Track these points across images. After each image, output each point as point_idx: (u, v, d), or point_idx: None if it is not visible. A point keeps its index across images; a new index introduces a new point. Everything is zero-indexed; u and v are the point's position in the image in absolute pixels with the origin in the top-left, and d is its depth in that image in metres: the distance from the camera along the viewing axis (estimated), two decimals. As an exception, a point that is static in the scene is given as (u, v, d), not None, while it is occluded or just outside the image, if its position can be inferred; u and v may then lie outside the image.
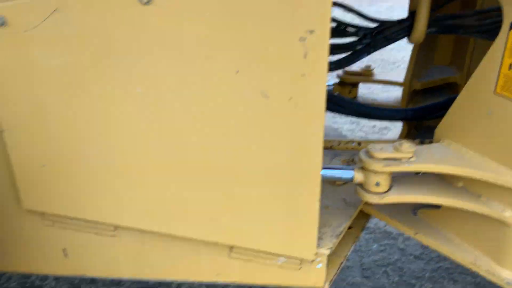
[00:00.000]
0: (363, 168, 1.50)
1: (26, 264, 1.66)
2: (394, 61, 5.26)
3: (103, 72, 1.26)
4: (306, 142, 1.29)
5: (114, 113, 1.30)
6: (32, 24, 1.23)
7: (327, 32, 1.15)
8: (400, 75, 2.31)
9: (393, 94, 2.37)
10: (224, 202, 1.41)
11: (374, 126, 4.02)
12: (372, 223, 2.85)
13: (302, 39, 1.15)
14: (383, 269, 2.49)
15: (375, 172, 1.47)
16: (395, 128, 3.82)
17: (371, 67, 2.33)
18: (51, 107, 1.32)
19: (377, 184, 1.49)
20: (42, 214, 1.53)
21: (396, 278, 2.42)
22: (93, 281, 2.38)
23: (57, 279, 2.38)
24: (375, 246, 2.68)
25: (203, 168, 1.35)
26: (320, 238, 1.54)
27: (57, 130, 1.35)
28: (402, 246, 2.68)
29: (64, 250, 1.61)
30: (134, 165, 1.38)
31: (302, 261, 1.53)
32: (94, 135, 1.34)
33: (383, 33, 1.73)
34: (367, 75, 2.31)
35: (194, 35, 1.19)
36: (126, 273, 1.64)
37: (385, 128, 3.98)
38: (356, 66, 2.28)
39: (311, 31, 1.14)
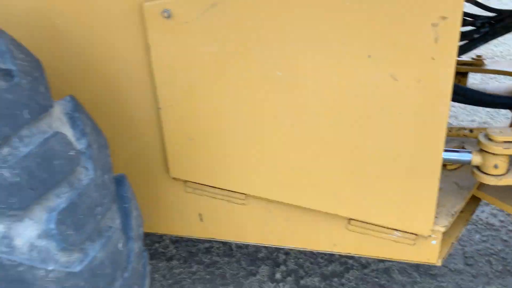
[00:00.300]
0: (481, 151, 1.56)
1: (166, 226, 1.92)
2: (492, 55, 5.06)
3: (249, 57, 1.44)
4: (431, 124, 1.39)
5: (256, 94, 1.49)
6: (192, 17, 1.44)
7: (459, 19, 1.24)
8: (510, 65, 2.30)
9: (503, 85, 2.36)
10: (348, 177, 1.55)
11: (473, 121, 3.93)
12: (473, 214, 2.84)
13: (434, 25, 1.25)
14: (486, 258, 2.50)
15: (494, 155, 1.53)
16: (496, 123, 3.72)
17: (482, 57, 2.34)
18: (202, 89, 1.53)
19: (496, 167, 1.55)
20: (185, 182, 1.77)
21: (500, 267, 2.42)
22: (208, 250, 2.64)
23: (177, 247, 2.67)
24: (477, 236, 2.68)
25: (331, 145, 1.50)
26: (435, 217, 1.62)
27: (204, 109, 1.57)
28: (505, 237, 2.66)
29: (200, 215, 1.84)
30: (267, 141, 1.56)
31: (417, 236, 1.63)
32: (236, 113, 1.54)
33: (503, 22, 1.76)
34: (478, 64, 2.32)
35: (332, 22, 1.34)
36: (252, 238, 1.84)
37: (485, 122, 3.88)
38: (466, 56, 2.30)
39: (444, 18, 1.24)
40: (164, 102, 1.60)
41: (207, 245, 2.71)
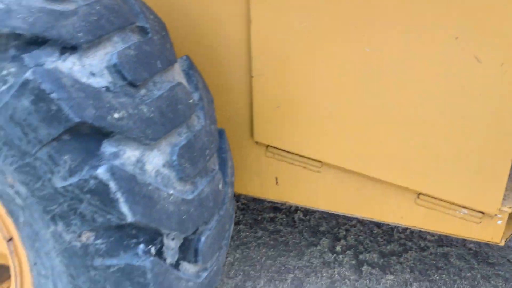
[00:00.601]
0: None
1: (244, 186, 2.10)
2: None
3: (340, 33, 1.58)
4: (510, 106, 1.47)
5: (343, 68, 1.63)
6: (291, -6, 1.60)
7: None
8: None
9: None
10: (421, 152, 1.66)
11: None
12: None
13: (522, 10, 1.34)
14: (549, 255, 2.51)
15: None
16: None
17: None
18: (294, 60, 1.69)
19: None
20: (267, 147, 1.94)
21: None
22: (272, 220, 2.81)
23: (244, 214, 2.87)
24: (540, 234, 2.68)
25: (409, 120, 1.62)
26: (503, 198, 1.70)
27: (294, 79, 1.72)
28: None
29: (276, 178, 2.01)
30: (349, 112, 1.69)
31: (483, 215, 1.72)
32: (323, 85, 1.68)
33: None
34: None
35: (423, 3, 1.45)
36: (322, 205, 1.99)
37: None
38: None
39: (533, 4, 1.32)
40: (258, 71, 1.77)
41: (271, 215, 2.88)
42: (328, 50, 1.63)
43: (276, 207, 2.97)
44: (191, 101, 1.32)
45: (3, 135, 1.06)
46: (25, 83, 1.01)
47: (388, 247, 2.60)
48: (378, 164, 1.75)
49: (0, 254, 1.80)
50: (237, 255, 2.55)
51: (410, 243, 2.62)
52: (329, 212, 2.02)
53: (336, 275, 2.41)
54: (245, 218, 2.84)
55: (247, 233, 2.72)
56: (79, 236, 1.13)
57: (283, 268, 2.47)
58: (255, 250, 2.60)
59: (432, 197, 1.77)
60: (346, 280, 2.38)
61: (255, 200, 3.01)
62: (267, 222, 2.82)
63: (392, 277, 2.39)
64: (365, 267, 2.45)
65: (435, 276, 2.39)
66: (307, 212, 2.91)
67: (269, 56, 1.73)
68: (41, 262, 1.23)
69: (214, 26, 1.77)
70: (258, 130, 1.90)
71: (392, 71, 1.57)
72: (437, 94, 1.55)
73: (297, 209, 2.94)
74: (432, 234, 2.69)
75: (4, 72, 1.03)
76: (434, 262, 2.48)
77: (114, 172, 1.08)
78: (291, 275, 2.41)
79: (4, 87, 1.03)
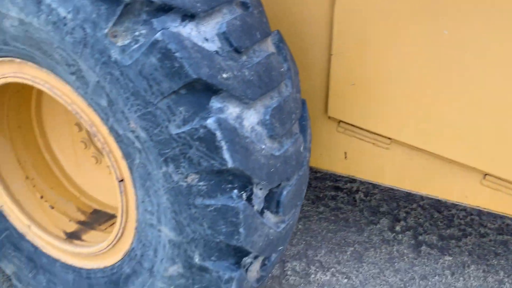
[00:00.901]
0: None
1: (314, 159, 2.25)
2: None
3: (420, 15, 1.68)
4: None
5: (421, 49, 1.73)
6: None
7: None
8: None
9: None
10: (491, 133, 1.74)
11: None
12: None
13: None
14: None
15: None
16: None
17: None
18: (373, 40, 1.81)
19: None
20: (339, 122, 2.08)
21: None
22: (333, 197, 2.95)
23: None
24: None
25: (481, 101, 1.70)
26: None
27: (372, 58, 1.84)
28: None
29: (345, 153, 2.15)
30: (421, 91, 1.80)
31: (550, 199, 1.77)
32: (400, 64, 1.79)
33: None
34: None
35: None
36: (388, 180, 2.11)
37: None
38: None
39: None
40: (337, 49, 1.91)
41: (333, 193, 3.02)
42: (407, 32, 1.74)
43: (337, 186, 3.10)
44: (282, 69, 1.48)
45: (132, 86, 1.27)
46: (155, 43, 1.21)
47: (448, 231, 2.67)
48: (446, 143, 1.85)
49: (99, 202, 2.06)
50: (300, 226, 2.71)
51: (470, 229, 2.68)
52: (395, 188, 2.13)
53: (395, 252, 2.52)
54: (307, 194, 2.99)
55: (309, 208, 2.87)
56: (186, 177, 1.33)
57: (343, 241, 2.60)
58: (316, 223, 2.75)
59: (498, 178, 1.84)
60: (405, 257, 2.48)
61: (317, 178, 3.16)
62: (328, 199, 2.96)
63: (450, 258, 2.47)
64: (423, 247, 2.54)
65: (493, 261, 2.44)
66: (368, 193, 3.02)
67: (349, 35, 1.86)
68: (149, 200, 1.45)
69: (298, 5, 1.91)
70: (332, 106, 2.04)
71: (468, 54, 1.66)
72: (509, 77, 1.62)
73: (358, 189, 3.06)
74: (493, 222, 2.73)
75: (137, 33, 1.24)
76: (493, 248, 2.53)
77: (220, 123, 1.26)
78: (351, 248, 2.55)
79: (135, 46, 1.24)
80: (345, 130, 2.09)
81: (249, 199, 1.39)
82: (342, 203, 2.93)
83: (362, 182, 3.14)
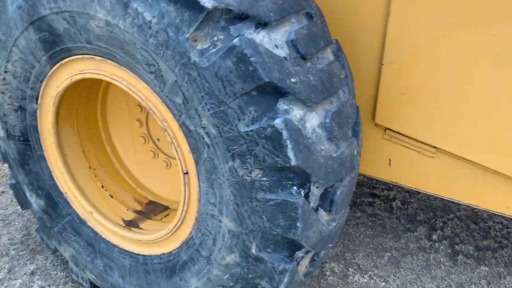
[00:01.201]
0: None
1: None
2: None
3: (472, 30, 1.75)
4: None
5: (471, 62, 1.80)
6: (431, -7, 1.80)
7: None
8: None
9: None
10: (538, 147, 1.79)
11: None
12: None
13: None
14: None
15: None
16: None
17: None
18: (425, 52, 1.88)
19: None
20: (385, 130, 2.16)
21: None
22: (371, 204, 3.02)
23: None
24: None
25: (530, 115, 1.75)
26: None
27: (423, 69, 1.92)
28: None
29: (389, 160, 2.22)
30: (470, 103, 1.86)
31: None
32: (450, 75, 1.87)
33: None
34: None
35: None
36: (431, 188, 2.17)
37: None
38: None
39: None
40: (389, 59, 1.99)
41: (370, 199, 3.09)
42: (460, 44, 1.81)
43: (374, 193, 3.16)
44: (341, 76, 1.58)
45: (207, 86, 1.38)
46: (232, 47, 1.33)
47: (484, 242, 2.70)
48: (492, 154, 1.90)
49: (153, 194, 2.18)
50: (337, 229, 2.79)
51: (506, 241, 2.71)
52: (436, 196, 2.19)
53: (432, 260, 2.57)
54: (345, 199, 3.06)
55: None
56: (250, 172, 1.44)
57: (380, 246, 2.67)
58: (354, 228, 2.82)
59: (542, 190, 1.89)
60: (441, 265, 2.53)
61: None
62: (365, 206, 3.03)
63: (486, 268, 2.50)
64: (460, 257, 2.59)
65: (531, 274, 2.47)
66: (405, 201, 3.08)
67: (401, 46, 1.94)
68: (213, 192, 1.56)
69: (353, 16, 2.01)
70: (380, 114, 2.12)
71: (520, 69, 1.72)
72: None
73: (394, 197, 3.12)
74: (531, 236, 2.75)
75: (215, 38, 1.36)
76: (531, 261, 2.55)
77: (287, 123, 1.36)
78: (388, 254, 2.61)
79: (213, 50, 1.35)
80: (390, 137, 2.17)
81: (306, 196, 1.49)
82: (379, 209, 3.00)
83: (398, 191, 3.20)
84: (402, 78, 2.00)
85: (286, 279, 1.58)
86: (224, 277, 1.67)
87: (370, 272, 2.47)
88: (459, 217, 2.95)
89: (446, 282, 2.43)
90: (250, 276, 1.62)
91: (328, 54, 1.59)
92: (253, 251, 1.56)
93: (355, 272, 2.47)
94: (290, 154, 1.39)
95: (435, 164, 2.11)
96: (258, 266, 1.59)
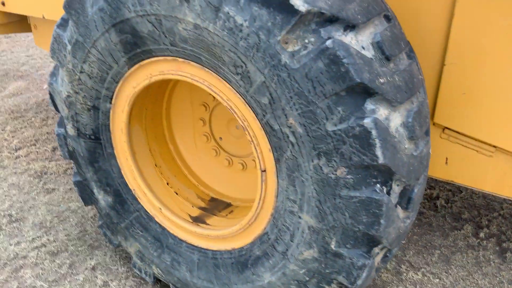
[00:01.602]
0: None
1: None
2: None
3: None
4: None
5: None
6: (498, -5, 1.83)
7: None
8: None
9: None
10: None
11: None
12: None
13: None
14: None
15: None
16: None
17: None
18: (488, 53, 1.92)
19: None
20: (443, 129, 2.19)
21: None
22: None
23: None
24: None
25: None
26: None
27: (485, 69, 1.95)
28: None
29: (446, 158, 2.25)
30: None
31: None
32: (510, 75, 1.90)
33: None
34: None
35: None
36: (489, 187, 2.20)
37: None
38: None
39: None
40: (451, 60, 2.03)
41: (413, 198, 3.12)
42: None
43: (417, 192, 3.19)
44: (420, 77, 1.62)
45: (296, 87, 1.43)
46: (324, 49, 1.37)
47: (532, 240, 2.73)
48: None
49: (215, 191, 2.24)
50: (385, 227, 2.83)
51: (555, 240, 2.73)
52: (495, 194, 2.22)
53: (481, 257, 2.60)
54: (389, 197, 3.10)
55: (393, 210, 2.98)
56: (335, 170, 1.49)
57: (429, 244, 2.70)
58: (401, 225, 2.85)
59: None
60: (491, 262, 2.56)
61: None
62: (410, 203, 3.06)
63: (538, 266, 2.53)
64: (509, 254, 2.61)
65: None
66: (448, 199, 3.11)
67: (465, 47, 1.97)
68: (293, 189, 1.61)
69: (416, 16, 2.04)
70: (439, 113, 2.16)
71: None
72: None
73: (438, 196, 3.15)
74: None
75: (306, 41, 1.40)
76: None
77: (376, 123, 1.41)
78: (438, 251, 2.64)
79: (304, 52, 1.40)
80: (448, 136, 2.20)
81: (388, 193, 1.53)
82: (424, 208, 3.03)
83: (441, 189, 3.23)
84: (464, 78, 2.03)
85: (364, 274, 1.62)
86: (300, 272, 1.72)
87: (422, 269, 2.51)
88: (503, 215, 2.97)
89: (497, 278, 2.46)
90: (327, 271, 1.67)
91: (405, 55, 1.63)
92: (333, 246, 1.61)
93: (408, 269, 2.51)
94: (378, 152, 1.43)
95: (494, 163, 2.14)
96: (336, 262, 1.64)
